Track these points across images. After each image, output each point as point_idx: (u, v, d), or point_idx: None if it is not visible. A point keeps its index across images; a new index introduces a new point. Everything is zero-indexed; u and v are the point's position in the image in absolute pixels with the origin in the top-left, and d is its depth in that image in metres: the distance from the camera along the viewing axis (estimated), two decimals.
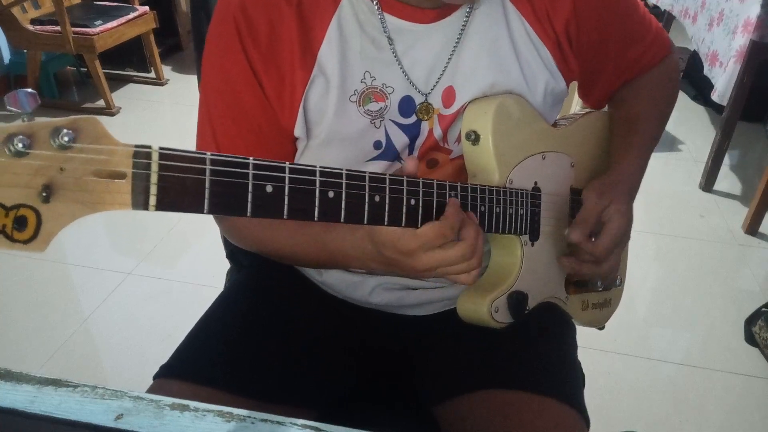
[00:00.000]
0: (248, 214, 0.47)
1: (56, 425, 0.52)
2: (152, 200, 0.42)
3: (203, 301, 0.86)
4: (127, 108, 3.22)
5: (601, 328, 0.90)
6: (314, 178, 0.51)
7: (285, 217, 0.49)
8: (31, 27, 2.91)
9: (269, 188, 0.48)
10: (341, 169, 0.52)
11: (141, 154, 0.41)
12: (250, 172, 0.47)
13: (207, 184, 0.44)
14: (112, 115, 3.13)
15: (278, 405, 0.72)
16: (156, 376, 0.74)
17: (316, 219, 0.51)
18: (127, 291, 1.95)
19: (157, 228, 2.24)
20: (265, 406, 0.65)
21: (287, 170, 0.49)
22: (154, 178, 0.42)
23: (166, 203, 0.43)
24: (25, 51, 3.08)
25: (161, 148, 0.42)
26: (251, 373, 0.75)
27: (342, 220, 0.53)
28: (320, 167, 0.51)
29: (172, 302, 1.91)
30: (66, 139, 0.39)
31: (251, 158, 0.47)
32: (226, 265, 1.04)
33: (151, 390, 0.71)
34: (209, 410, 0.54)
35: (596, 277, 0.79)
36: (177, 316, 1.82)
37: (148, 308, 1.89)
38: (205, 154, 0.44)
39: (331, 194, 0.52)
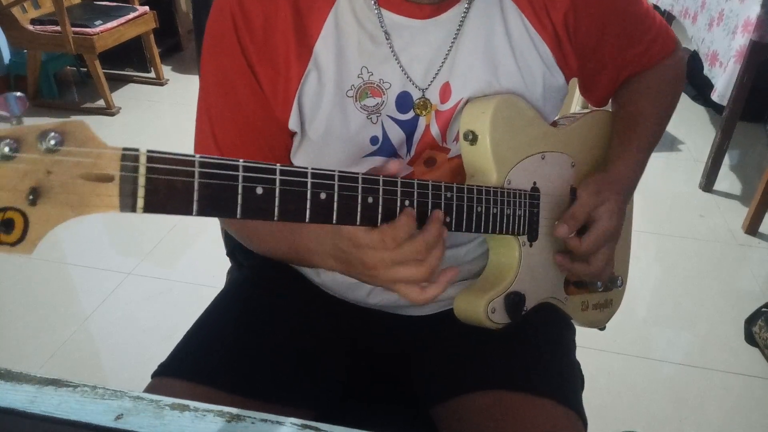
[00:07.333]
0: (238, 216, 0.47)
1: (56, 425, 0.52)
2: (140, 203, 0.42)
3: (203, 301, 0.86)
4: (127, 108, 3.22)
5: (602, 328, 0.90)
6: (305, 179, 0.50)
7: (276, 218, 0.49)
8: (31, 27, 2.91)
9: (259, 190, 0.48)
10: (333, 171, 0.52)
11: (129, 157, 0.42)
12: (240, 174, 0.47)
13: (196, 187, 0.45)
14: (112, 115, 3.13)
15: (276, 404, 0.72)
16: (154, 375, 0.74)
17: (307, 221, 0.51)
18: (127, 291, 1.95)
19: (157, 228, 2.24)
20: (263, 405, 0.65)
21: (278, 172, 0.49)
22: (141, 181, 0.42)
23: (154, 205, 0.43)
24: (25, 51, 3.08)
25: (149, 151, 0.43)
26: (249, 372, 0.74)
27: (334, 222, 0.53)
28: (312, 169, 0.51)
29: (172, 302, 1.91)
30: (53, 142, 0.39)
31: (241, 160, 0.47)
32: (226, 264, 1.04)
33: (149, 388, 0.71)
34: (209, 410, 0.54)
35: (589, 276, 0.77)
36: (177, 316, 1.82)
37: (148, 308, 1.89)
38: (193, 156, 0.45)
39: (323, 196, 0.51)
